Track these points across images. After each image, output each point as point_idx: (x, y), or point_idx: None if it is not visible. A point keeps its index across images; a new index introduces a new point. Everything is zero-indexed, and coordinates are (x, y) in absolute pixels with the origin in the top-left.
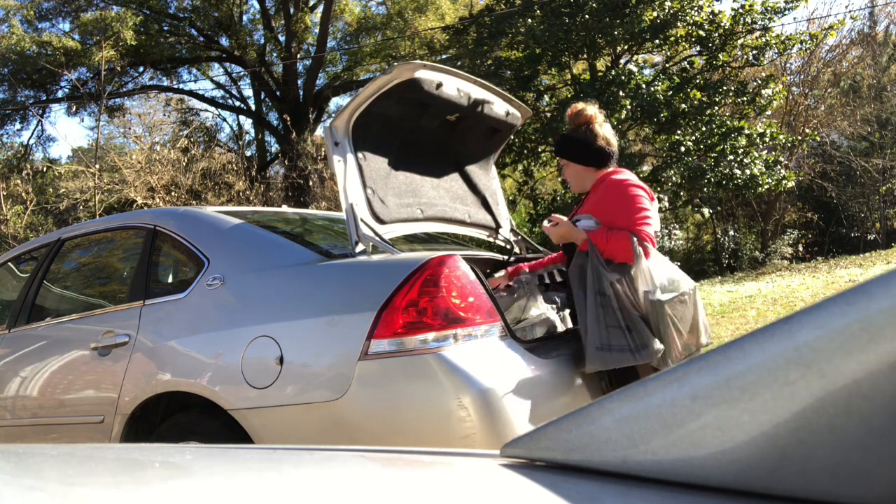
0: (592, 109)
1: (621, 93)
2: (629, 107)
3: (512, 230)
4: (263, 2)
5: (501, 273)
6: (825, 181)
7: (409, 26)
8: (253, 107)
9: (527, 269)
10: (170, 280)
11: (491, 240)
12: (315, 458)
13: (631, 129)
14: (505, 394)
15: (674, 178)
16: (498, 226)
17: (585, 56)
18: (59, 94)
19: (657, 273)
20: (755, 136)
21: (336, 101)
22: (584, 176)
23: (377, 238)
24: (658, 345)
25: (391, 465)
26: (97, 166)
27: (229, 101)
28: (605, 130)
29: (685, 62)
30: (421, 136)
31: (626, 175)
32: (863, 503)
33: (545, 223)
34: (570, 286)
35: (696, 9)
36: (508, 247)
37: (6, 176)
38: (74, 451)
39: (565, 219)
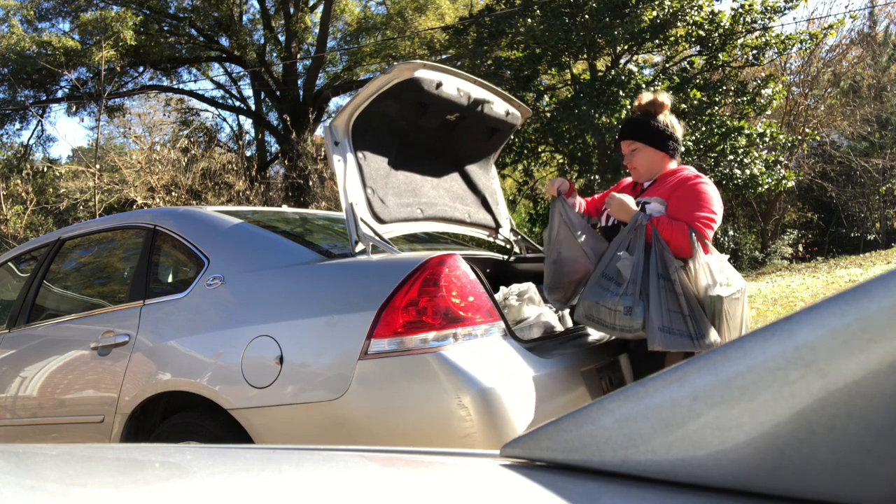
0: (665, 97)
1: (621, 93)
2: (629, 107)
3: (512, 230)
4: (263, 2)
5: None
6: (825, 181)
7: (409, 26)
8: (253, 107)
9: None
10: (170, 280)
11: (491, 239)
12: (315, 458)
13: None
14: (505, 393)
15: None
16: (498, 225)
17: (585, 56)
18: (59, 94)
19: (716, 268)
20: (755, 136)
21: (336, 101)
22: (655, 162)
23: (377, 238)
24: (715, 336)
25: (391, 465)
26: (97, 166)
27: (229, 101)
28: (674, 121)
29: (685, 62)
30: (421, 136)
31: (704, 177)
32: (863, 503)
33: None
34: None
35: (695, 9)
36: (508, 246)
37: (6, 176)
38: (74, 451)
39: (626, 196)
